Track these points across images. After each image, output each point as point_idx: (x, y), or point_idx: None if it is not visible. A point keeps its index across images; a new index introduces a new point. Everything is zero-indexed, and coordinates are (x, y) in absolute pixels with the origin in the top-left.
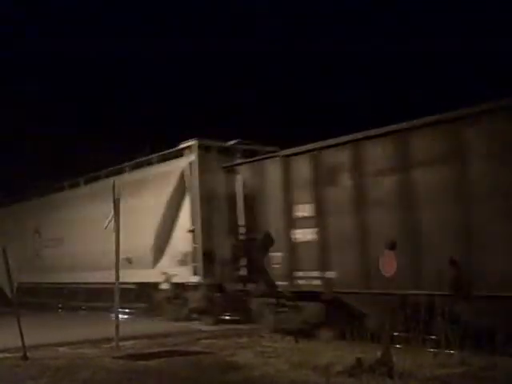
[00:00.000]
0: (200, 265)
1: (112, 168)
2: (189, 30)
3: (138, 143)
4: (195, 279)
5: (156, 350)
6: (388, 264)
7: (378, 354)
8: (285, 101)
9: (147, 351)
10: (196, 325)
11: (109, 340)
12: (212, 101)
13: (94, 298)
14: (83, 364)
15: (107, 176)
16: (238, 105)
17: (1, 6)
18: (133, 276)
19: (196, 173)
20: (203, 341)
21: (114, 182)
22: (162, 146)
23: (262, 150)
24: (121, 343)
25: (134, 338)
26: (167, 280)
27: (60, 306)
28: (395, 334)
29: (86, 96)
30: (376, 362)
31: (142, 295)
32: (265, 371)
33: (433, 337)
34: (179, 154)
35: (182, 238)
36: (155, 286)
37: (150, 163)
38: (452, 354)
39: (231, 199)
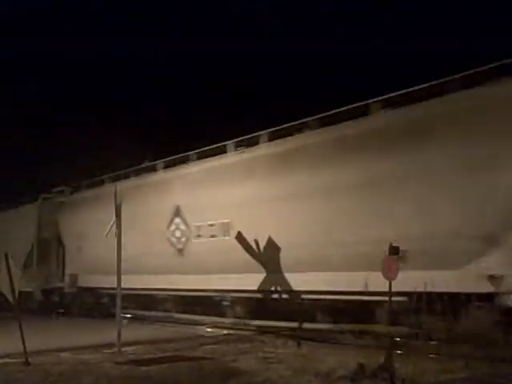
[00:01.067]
0: None
1: (321, 115)
2: (189, 30)
3: (138, 143)
4: None
5: (158, 355)
6: (390, 269)
7: (381, 359)
8: (284, 101)
9: (149, 357)
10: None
11: (111, 345)
12: (212, 101)
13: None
14: (85, 370)
15: (311, 127)
16: (238, 104)
17: (1, 6)
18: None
19: None
20: (205, 346)
21: (116, 186)
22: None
23: None
24: (123, 348)
25: (137, 343)
26: None
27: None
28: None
29: (85, 96)
30: (378, 368)
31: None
32: (267, 377)
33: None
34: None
35: None
36: (466, 298)
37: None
38: (456, 358)
39: None
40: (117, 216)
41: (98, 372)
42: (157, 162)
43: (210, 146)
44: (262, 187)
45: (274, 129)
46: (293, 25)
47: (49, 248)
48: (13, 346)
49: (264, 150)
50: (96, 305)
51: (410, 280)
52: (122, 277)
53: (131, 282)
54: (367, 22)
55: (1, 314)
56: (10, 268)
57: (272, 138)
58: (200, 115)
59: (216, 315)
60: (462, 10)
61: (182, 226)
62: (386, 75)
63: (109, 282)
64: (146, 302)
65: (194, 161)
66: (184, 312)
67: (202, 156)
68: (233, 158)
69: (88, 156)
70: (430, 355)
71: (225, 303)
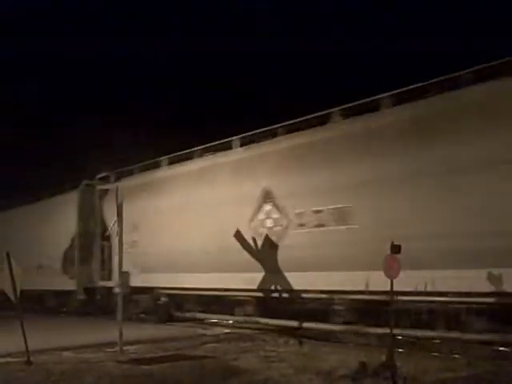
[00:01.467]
0: None
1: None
2: (189, 30)
3: (138, 143)
4: None
5: (160, 354)
6: (391, 268)
7: (383, 358)
8: (284, 100)
9: (151, 356)
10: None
11: (113, 344)
12: (212, 100)
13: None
14: (87, 369)
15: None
16: (238, 104)
17: (1, 6)
18: None
19: None
20: (207, 345)
21: (117, 187)
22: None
23: None
24: (125, 347)
25: (139, 342)
26: None
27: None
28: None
29: (86, 96)
30: (380, 366)
31: None
32: (268, 376)
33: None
34: None
35: None
36: None
37: None
38: (458, 357)
39: None
40: (118, 215)
41: (100, 371)
42: (232, 138)
43: (307, 116)
44: (393, 164)
45: (393, 91)
46: (293, 25)
47: (92, 242)
48: (15, 345)
49: (390, 116)
50: (154, 306)
51: None
52: (189, 275)
53: (202, 281)
54: (367, 22)
55: (4, 312)
56: (12, 267)
57: (397, 101)
58: (200, 115)
59: (318, 321)
60: (462, 10)
61: (275, 214)
62: (386, 75)
63: (170, 280)
64: (221, 305)
65: (282, 135)
66: (272, 317)
67: (291, 129)
68: (347, 127)
69: (87, 156)
70: (432, 353)
71: (335, 307)
